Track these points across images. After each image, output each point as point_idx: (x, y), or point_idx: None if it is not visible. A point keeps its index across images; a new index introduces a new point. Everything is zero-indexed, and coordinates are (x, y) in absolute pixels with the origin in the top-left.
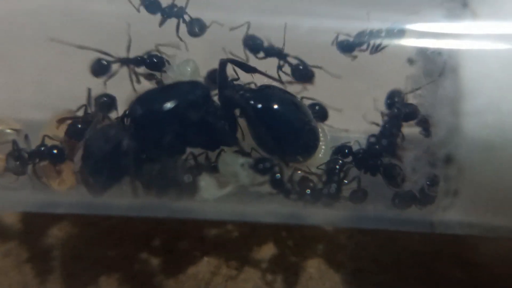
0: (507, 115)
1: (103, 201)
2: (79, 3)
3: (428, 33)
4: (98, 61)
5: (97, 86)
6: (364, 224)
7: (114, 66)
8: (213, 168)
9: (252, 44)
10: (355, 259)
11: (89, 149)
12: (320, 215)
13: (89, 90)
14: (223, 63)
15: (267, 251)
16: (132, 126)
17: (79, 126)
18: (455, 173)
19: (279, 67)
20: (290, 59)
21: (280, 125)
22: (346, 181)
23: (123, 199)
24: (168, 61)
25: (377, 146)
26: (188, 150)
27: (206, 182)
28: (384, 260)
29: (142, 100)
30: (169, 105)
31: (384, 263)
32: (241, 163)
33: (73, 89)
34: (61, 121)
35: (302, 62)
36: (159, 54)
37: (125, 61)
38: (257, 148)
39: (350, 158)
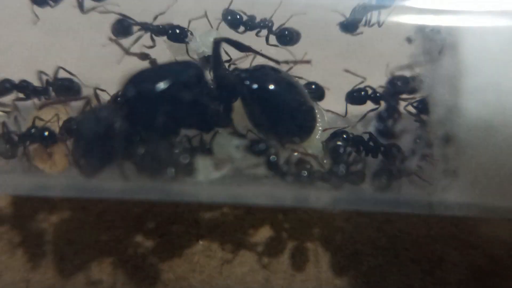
0: (508, 93)
1: (95, 183)
2: None
3: (426, 9)
4: (121, 21)
5: (84, 66)
6: (362, 206)
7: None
8: (207, 150)
9: (231, 19)
10: (352, 242)
11: (81, 131)
12: (318, 198)
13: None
14: (217, 43)
15: (263, 234)
16: (125, 107)
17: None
18: (454, 153)
19: (266, 39)
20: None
21: (276, 106)
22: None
23: (116, 182)
24: (191, 32)
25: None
26: (183, 131)
27: (201, 164)
28: (381, 243)
29: (135, 80)
30: (162, 85)
31: (381, 245)
32: (236, 145)
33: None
34: (43, 106)
35: (286, 27)
36: (181, 25)
37: (147, 27)
38: (253, 129)
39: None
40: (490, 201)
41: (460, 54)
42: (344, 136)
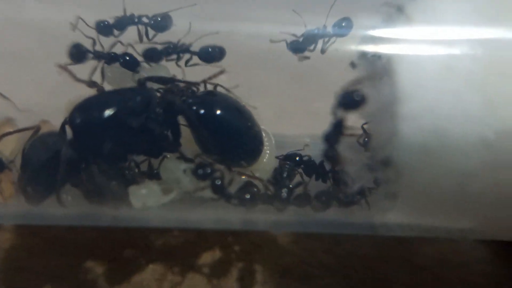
0: (442, 118)
1: (43, 210)
2: (33, 14)
3: (367, 37)
4: (77, 45)
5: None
6: (308, 228)
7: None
8: (155, 175)
9: (103, 26)
10: (302, 264)
11: (27, 158)
12: (265, 221)
13: None
14: (141, 83)
15: (214, 256)
16: (71, 134)
17: None
18: (394, 176)
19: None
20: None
21: (223, 131)
22: (291, 186)
23: (64, 209)
24: (140, 63)
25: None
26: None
27: (149, 189)
28: (330, 264)
29: (82, 107)
30: (108, 112)
31: (331, 267)
32: (183, 169)
33: (24, 98)
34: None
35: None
36: (133, 55)
37: (99, 55)
38: (201, 153)
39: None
40: (429, 222)
41: (397, 81)
42: (297, 159)
